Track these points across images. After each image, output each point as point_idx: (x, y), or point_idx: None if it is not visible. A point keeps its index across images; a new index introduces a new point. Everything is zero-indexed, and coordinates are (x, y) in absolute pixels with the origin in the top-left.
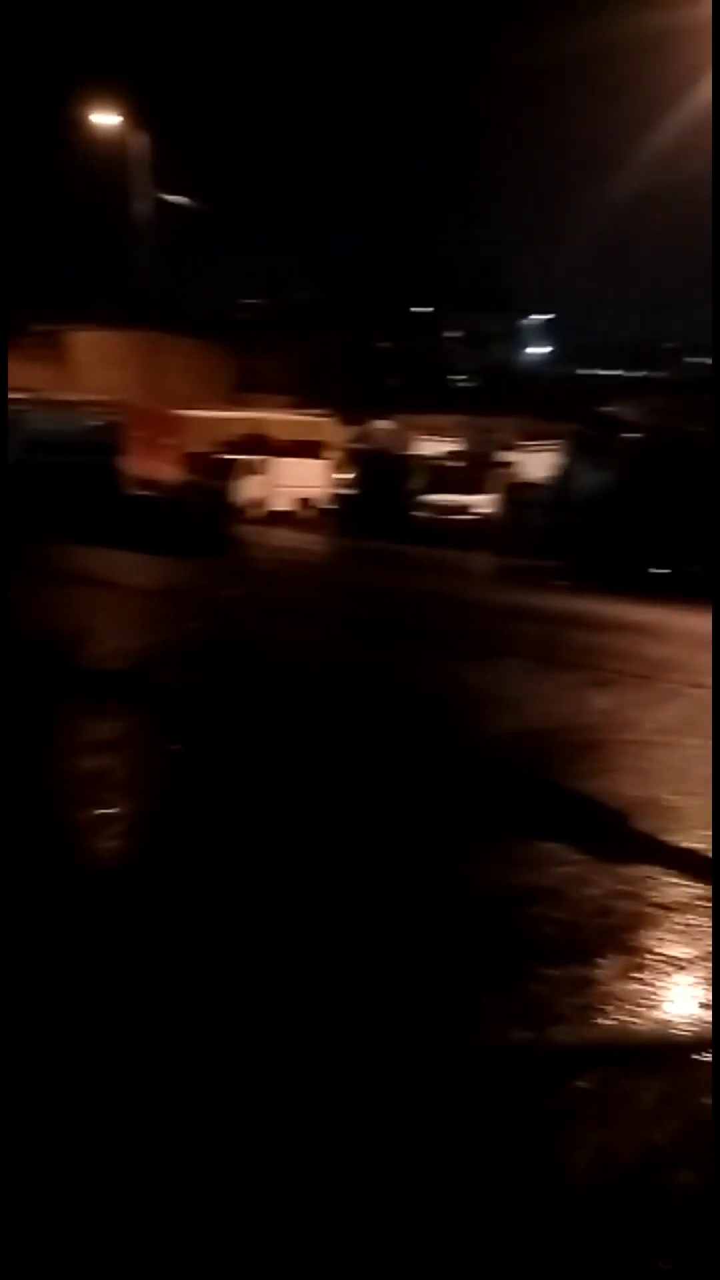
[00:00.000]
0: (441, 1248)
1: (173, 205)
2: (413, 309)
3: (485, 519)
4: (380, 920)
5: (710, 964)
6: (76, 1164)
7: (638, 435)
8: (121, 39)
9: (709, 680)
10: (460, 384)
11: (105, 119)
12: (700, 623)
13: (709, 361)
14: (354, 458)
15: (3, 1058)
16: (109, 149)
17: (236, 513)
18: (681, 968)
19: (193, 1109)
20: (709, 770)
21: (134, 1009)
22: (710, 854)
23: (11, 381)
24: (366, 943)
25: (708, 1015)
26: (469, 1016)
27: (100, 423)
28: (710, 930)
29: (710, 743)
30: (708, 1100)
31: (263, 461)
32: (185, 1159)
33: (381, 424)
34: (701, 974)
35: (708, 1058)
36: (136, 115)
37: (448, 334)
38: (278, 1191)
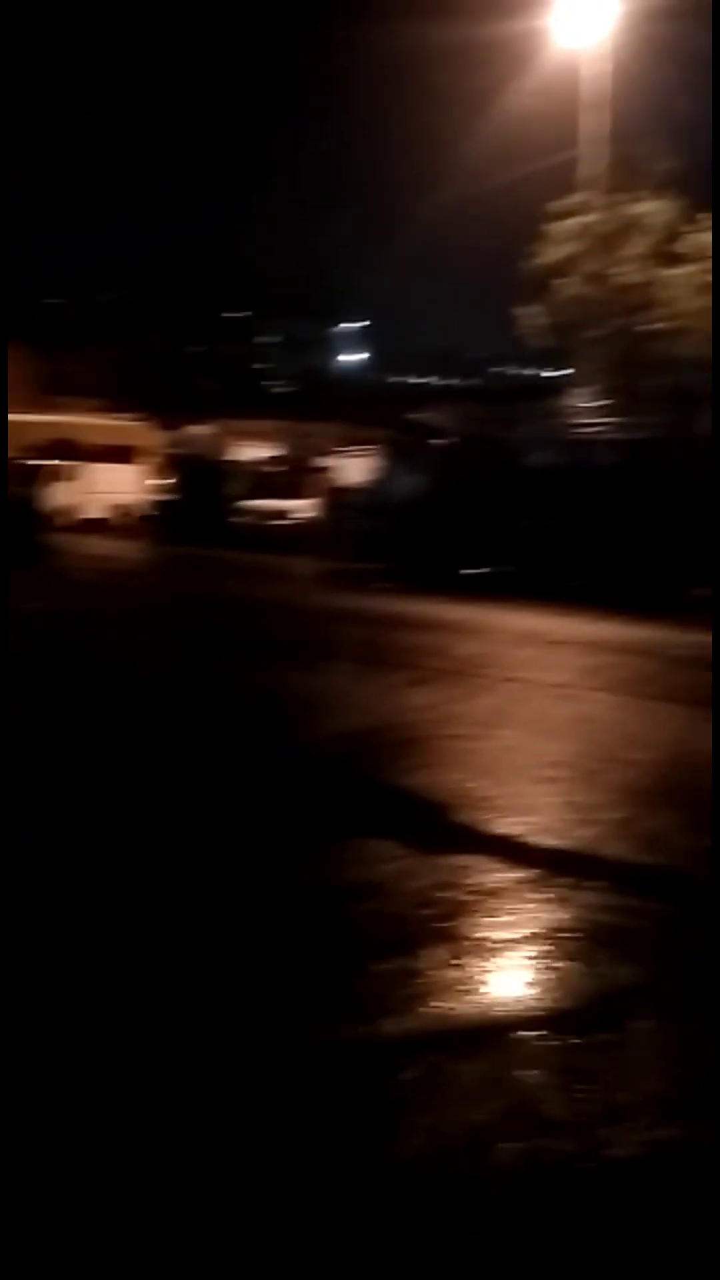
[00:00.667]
0: (273, 1243)
1: None
2: (225, 314)
3: (305, 524)
4: (206, 921)
5: (526, 946)
6: None
7: (448, 441)
8: None
9: (519, 674)
10: (277, 389)
11: None
12: (510, 619)
13: (513, 371)
14: (171, 463)
15: None
16: None
17: (46, 521)
18: (500, 951)
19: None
20: (520, 760)
21: None
22: (524, 839)
23: None
24: (191, 944)
25: (526, 995)
26: (296, 1014)
27: None
28: (529, 912)
29: (520, 733)
30: (528, 1076)
31: (73, 467)
32: None
33: (198, 429)
34: (519, 955)
35: (526, 1035)
36: None
37: (263, 339)
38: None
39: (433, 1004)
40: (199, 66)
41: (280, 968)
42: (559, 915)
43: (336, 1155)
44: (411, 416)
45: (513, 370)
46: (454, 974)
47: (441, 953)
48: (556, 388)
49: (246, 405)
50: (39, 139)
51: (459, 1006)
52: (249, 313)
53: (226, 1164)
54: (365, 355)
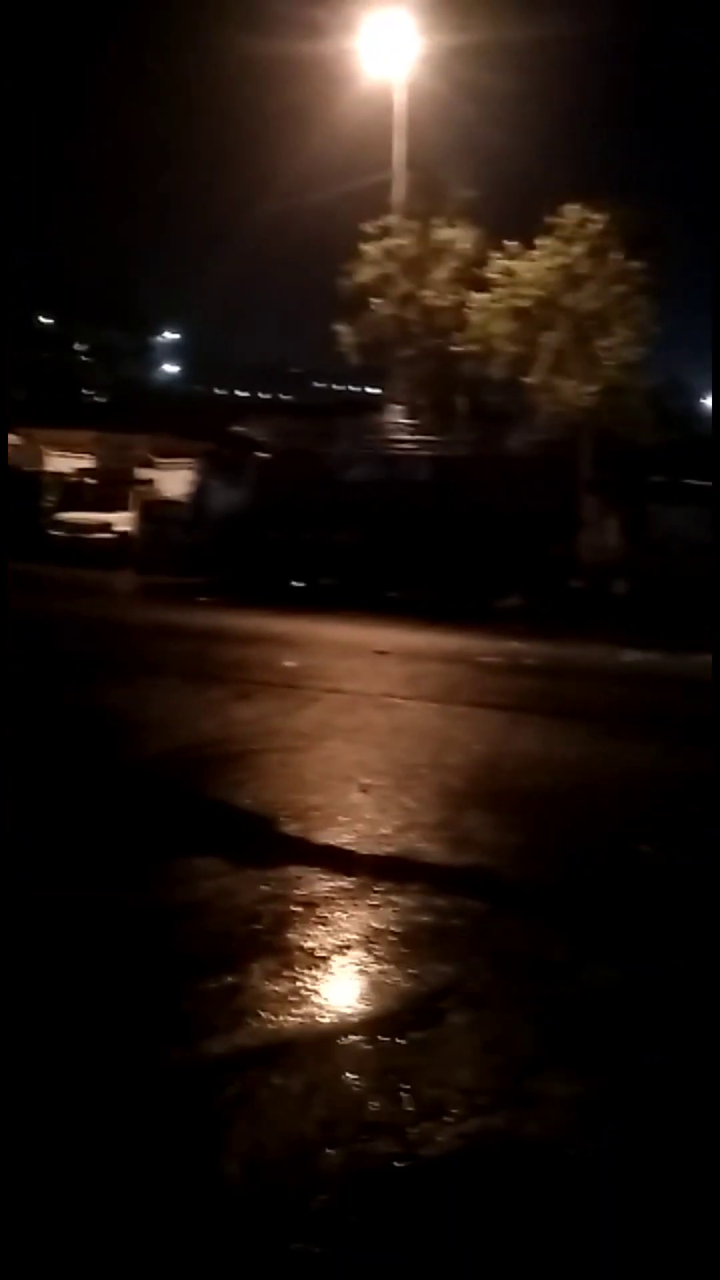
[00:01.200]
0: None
1: None
2: (39, 319)
3: (123, 537)
4: (27, 947)
5: (351, 952)
6: None
7: (267, 455)
8: None
9: (342, 685)
10: (92, 399)
11: None
12: (332, 631)
13: (331, 386)
14: None
15: None
16: None
17: None
18: (324, 960)
19: None
20: (344, 769)
21: None
22: (347, 847)
23: None
24: (14, 971)
25: (347, 1001)
26: (121, 1038)
27: None
28: (351, 919)
29: (343, 743)
30: (350, 1081)
31: None
32: None
33: (13, 438)
34: (340, 962)
35: (348, 1040)
36: None
37: (82, 347)
38: None
39: (256, 1018)
40: (15, 68)
41: (106, 991)
42: (379, 920)
43: (161, 1175)
44: (232, 430)
45: (332, 386)
46: (278, 986)
47: (266, 966)
48: (374, 404)
49: (61, 415)
50: None
51: (282, 1018)
52: (61, 319)
53: (54, 1184)
54: (189, 367)
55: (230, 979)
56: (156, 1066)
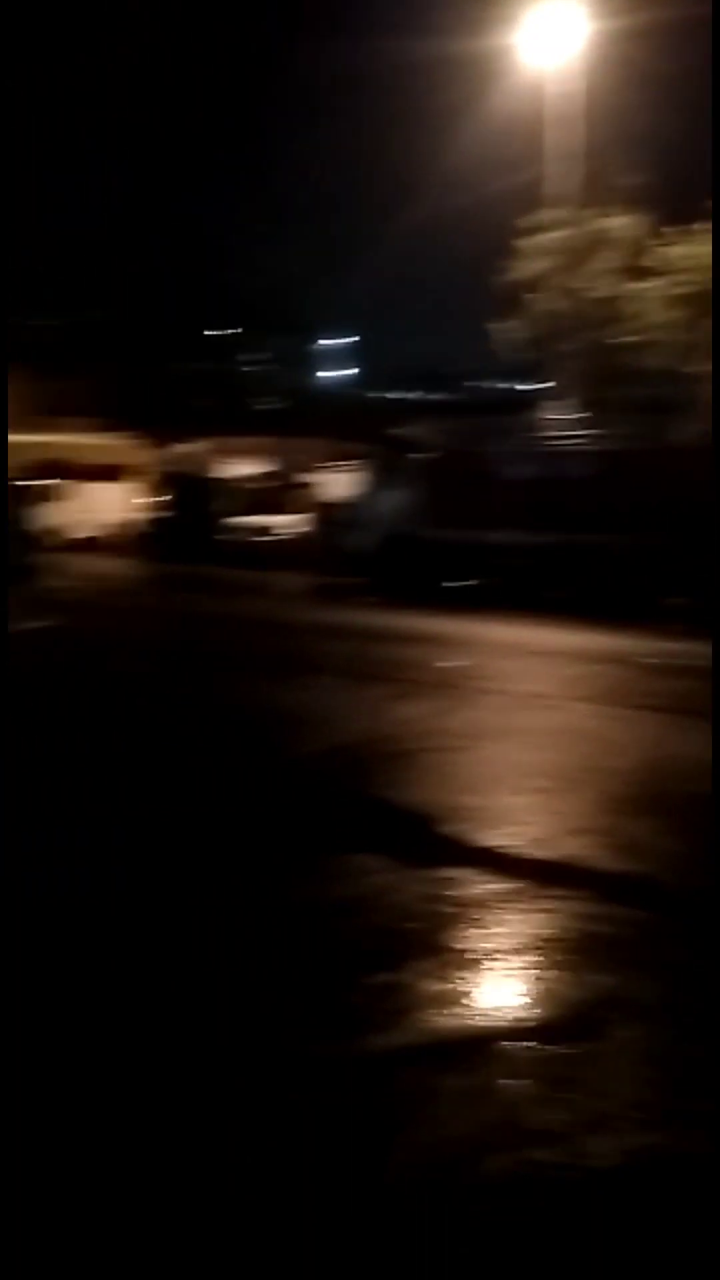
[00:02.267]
0: (275, 1253)
1: None
2: (209, 332)
3: (293, 540)
4: (197, 940)
5: (511, 957)
6: None
7: (429, 456)
8: None
9: (502, 686)
10: (265, 407)
11: None
12: (492, 631)
13: (491, 385)
14: (161, 481)
15: None
16: None
17: (34, 540)
18: (484, 963)
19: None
20: (501, 771)
21: None
22: (509, 850)
23: None
24: (186, 960)
25: (511, 1005)
26: (288, 1030)
27: None
28: (514, 923)
29: (504, 745)
30: (513, 1086)
31: (63, 487)
32: None
33: (188, 447)
34: (504, 966)
35: (511, 1045)
36: None
37: (250, 356)
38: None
39: (419, 1017)
40: (178, 87)
41: (272, 984)
42: (543, 925)
43: (331, 1168)
44: (394, 432)
45: (491, 384)
46: (440, 986)
47: (428, 965)
48: (534, 401)
49: (234, 422)
50: (27, 165)
51: (445, 1019)
52: (236, 330)
53: (226, 1176)
54: (352, 371)
55: (392, 976)
56: (321, 1055)
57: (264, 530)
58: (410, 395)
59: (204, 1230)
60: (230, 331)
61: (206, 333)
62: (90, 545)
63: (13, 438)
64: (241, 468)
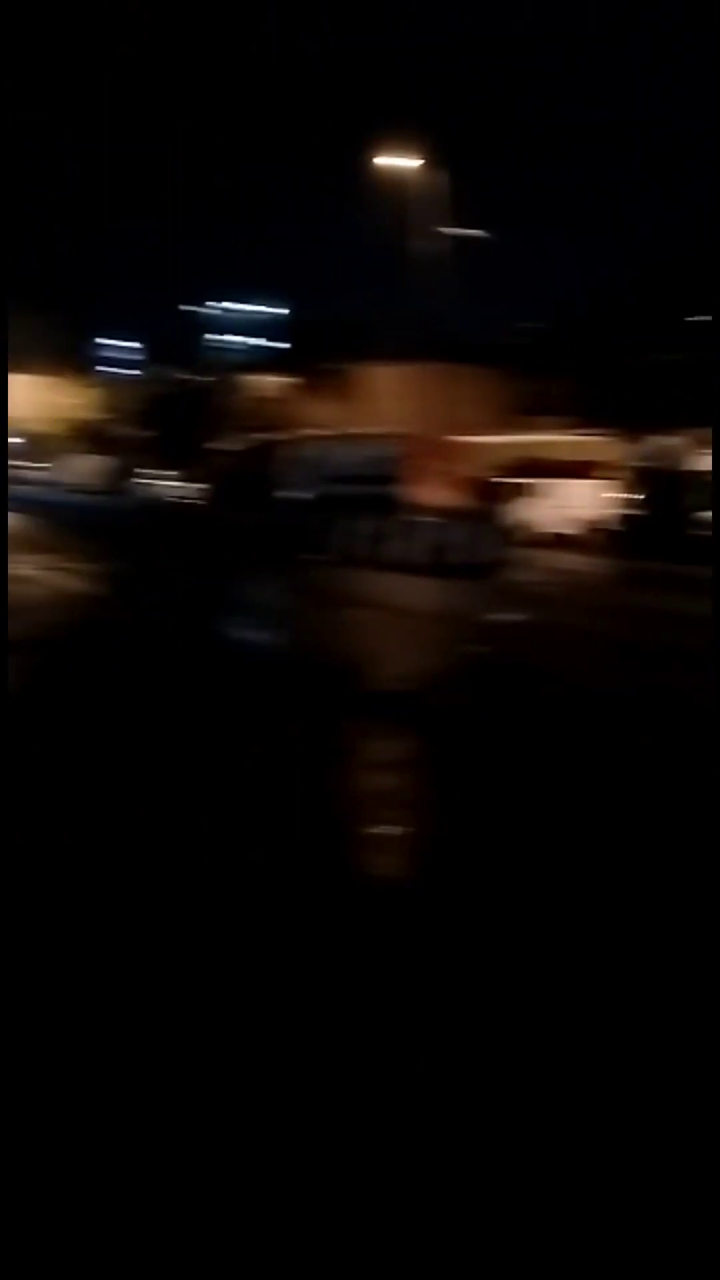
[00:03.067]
0: None
1: (456, 238)
2: (689, 318)
3: None
4: None
5: None
6: None
7: None
8: (414, 83)
9: None
10: None
11: (398, 162)
12: None
13: None
14: (633, 476)
15: None
16: (392, 189)
17: (511, 535)
18: None
19: None
20: None
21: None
22: None
23: (311, 418)
24: None
25: None
26: None
27: (385, 454)
28: None
29: None
30: None
31: (540, 484)
32: None
33: (664, 441)
34: None
35: None
36: (425, 155)
37: None
38: None
39: None
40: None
41: None
42: None
43: None
44: None
45: None
46: None
47: None
48: None
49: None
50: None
51: None
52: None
53: None
54: None
55: None
56: None
57: None
58: None
59: None
60: (708, 318)
61: (688, 319)
62: (561, 541)
63: (490, 438)
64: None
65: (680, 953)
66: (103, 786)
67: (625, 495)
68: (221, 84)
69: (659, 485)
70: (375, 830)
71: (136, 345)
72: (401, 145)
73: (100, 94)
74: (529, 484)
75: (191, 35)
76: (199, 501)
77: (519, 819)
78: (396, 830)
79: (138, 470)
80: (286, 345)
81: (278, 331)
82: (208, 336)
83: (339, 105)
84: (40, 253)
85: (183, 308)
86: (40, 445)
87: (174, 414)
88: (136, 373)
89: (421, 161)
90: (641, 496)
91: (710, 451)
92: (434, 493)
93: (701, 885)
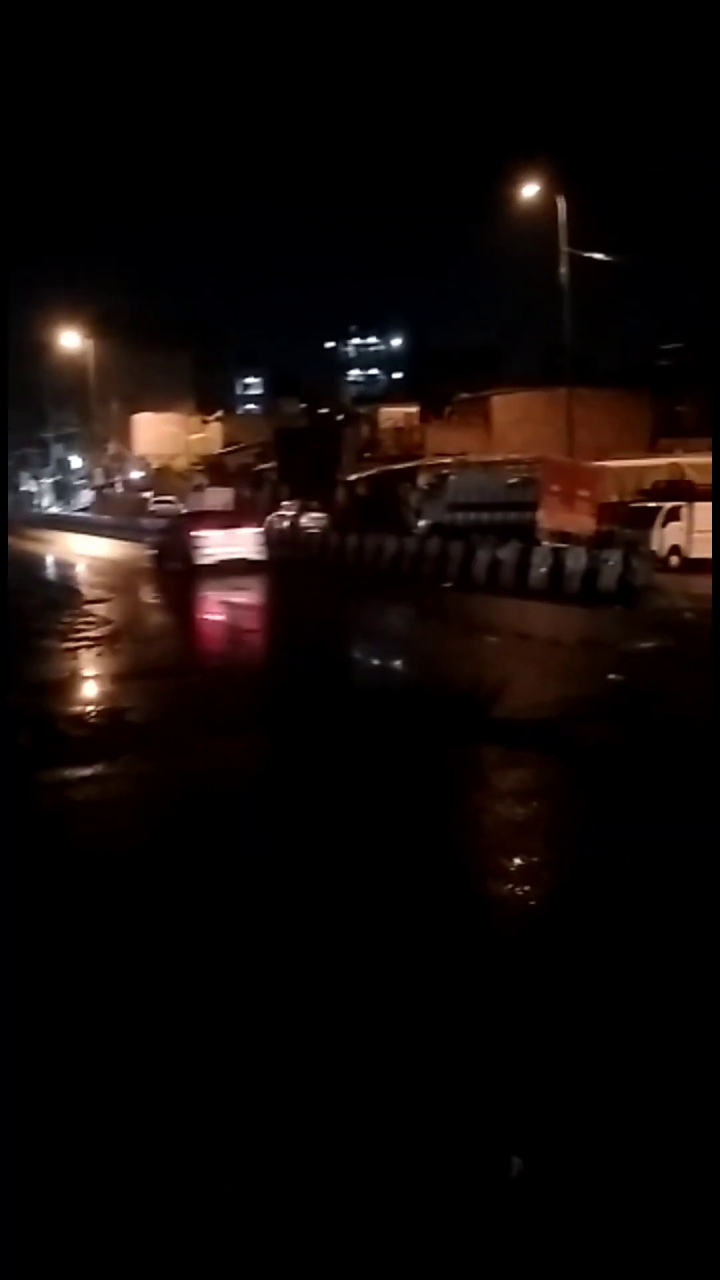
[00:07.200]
0: None
1: (592, 262)
2: None
3: None
4: None
5: None
6: None
7: None
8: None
9: None
10: None
11: (525, 191)
12: None
13: None
14: None
15: None
16: (521, 216)
17: (656, 561)
18: None
19: None
20: None
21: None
22: None
23: (440, 447)
24: None
25: None
26: None
27: (517, 480)
28: None
29: None
30: None
31: (682, 508)
32: None
33: None
34: None
35: None
36: (556, 180)
37: None
38: None
39: None
40: None
41: None
42: None
43: None
44: None
45: None
46: None
47: None
48: None
49: None
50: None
51: None
52: None
53: None
54: None
55: None
56: None
57: None
58: None
59: None
60: None
61: None
62: (703, 566)
63: (633, 461)
64: None
65: None
66: (230, 815)
67: None
68: (350, 118)
69: None
70: (509, 860)
71: (263, 380)
72: (531, 171)
73: (231, 129)
74: (669, 508)
75: (321, 69)
76: (332, 531)
77: (653, 850)
78: (531, 859)
79: (270, 503)
80: (414, 375)
81: (405, 362)
82: (336, 370)
83: (464, 133)
84: (175, 294)
85: (310, 343)
86: (166, 480)
87: (301, 446)
88: (263, 407)
89: (550, 188)
90: None
91: None
92: (569, 518)
93: None
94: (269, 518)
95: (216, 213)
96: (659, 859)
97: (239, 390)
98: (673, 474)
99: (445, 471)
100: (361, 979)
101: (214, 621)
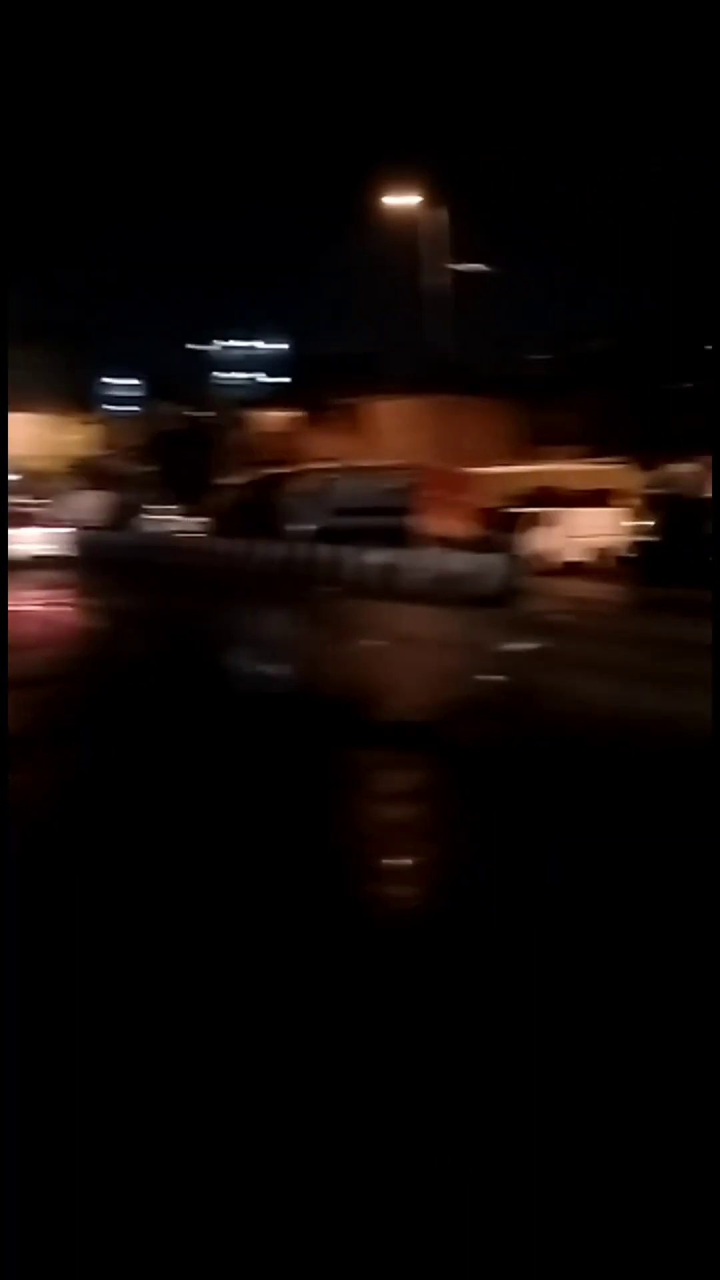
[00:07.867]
0: None
1: (462, 273)
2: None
3: None
4: None
5: None
6: None
7: None
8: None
9: None
10: None
11: (400, 199)
12: None
13: None
14: (651, 504)
15: None
16: (396, 224)
17: (526, 565)
18: None
19: None
20: None
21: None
22: None
23: (318, 452)
24: None
25: None
26: None
27: (394, 485)
28: None
29: None
30: None
31: (553, 513)
32: None
33: (679, 468)
34: None
35: None
36: (429, 190)
37: None
38: None
39: None
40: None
41: None
42: None
43: None
44: None
45: None
46: None
47: None
48: None
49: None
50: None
51: None
52: None
53: None
54: None
55: None
56: None
57: None
58: None
59: None
60: None
61: (708, 346)
62: (577, 569)
63: (505, 468)
64: None
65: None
66: (108, 821)
67: (640, 523)
68: (223, 121)
69: (674, 512)
70: (384, 861)
71: (139, 382)
72: (405, 180)
73: (102, 130)
74: (543, 513)
75: (191, 73)
76: (205, 535)
77: (528, 850)
78: (406, 861)
79: (142, 506)
80: (291, 380)
81: (282, 367)
82: (212, 373)
83: (340, 140)
84: (41, 290)
85: (187, 345)
86: (40, 482)
87: (179, 449)
88: (139, 409)
89: (425, 196)
90: (656, 524)
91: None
92: (446, 523)
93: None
94: (134, 520)
95: (91, 212)
96: (535, 853)
97: (118, 392)
98: (543, 480)
99: (331, 477)
100: (231, 980)
101: (67, 625)
